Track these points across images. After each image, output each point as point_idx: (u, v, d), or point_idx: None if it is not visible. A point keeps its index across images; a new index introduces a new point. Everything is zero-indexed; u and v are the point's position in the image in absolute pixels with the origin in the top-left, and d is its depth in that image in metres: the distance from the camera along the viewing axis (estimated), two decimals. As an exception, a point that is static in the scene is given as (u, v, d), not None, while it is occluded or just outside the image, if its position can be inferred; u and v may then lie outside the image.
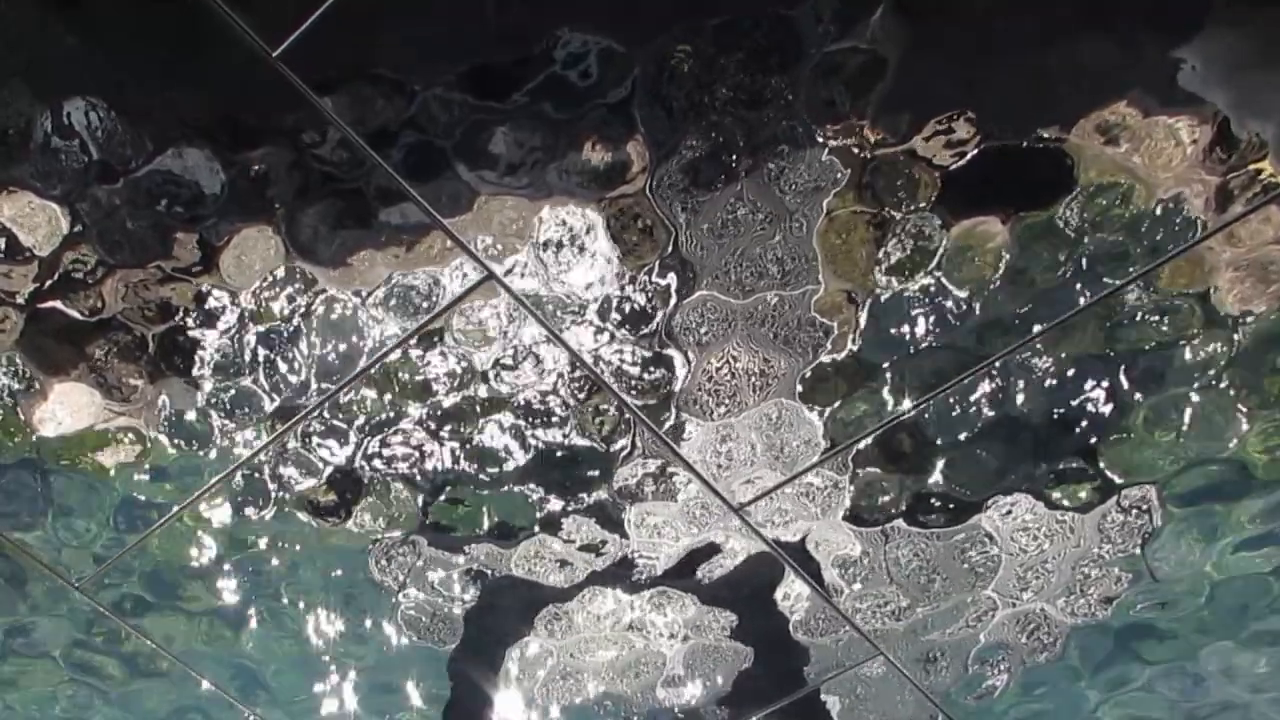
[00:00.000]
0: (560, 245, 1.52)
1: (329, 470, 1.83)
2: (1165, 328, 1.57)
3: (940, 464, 1.75)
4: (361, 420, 1.75)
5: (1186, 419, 1.67)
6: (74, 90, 1.39)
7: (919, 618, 2.00)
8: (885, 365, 1.64)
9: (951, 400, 1.67)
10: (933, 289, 1.55)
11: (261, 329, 1.65)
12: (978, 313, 1.57)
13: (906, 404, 1.67)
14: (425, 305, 1.60)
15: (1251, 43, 1.29)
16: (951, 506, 1.81)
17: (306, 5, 1.29)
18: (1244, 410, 1.65)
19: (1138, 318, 1.56)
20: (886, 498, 1.80)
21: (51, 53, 1.36)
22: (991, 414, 1.68)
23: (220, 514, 1.91)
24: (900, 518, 1.83)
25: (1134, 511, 1.80)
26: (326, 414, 1.74)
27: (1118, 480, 1.75)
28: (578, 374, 1.67)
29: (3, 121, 1.42)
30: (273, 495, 1.87)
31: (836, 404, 1.69)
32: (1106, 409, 1.66)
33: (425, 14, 1.30)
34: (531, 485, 1.83)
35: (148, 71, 1.37)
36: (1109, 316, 1.56)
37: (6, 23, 1.33)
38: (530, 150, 1.43)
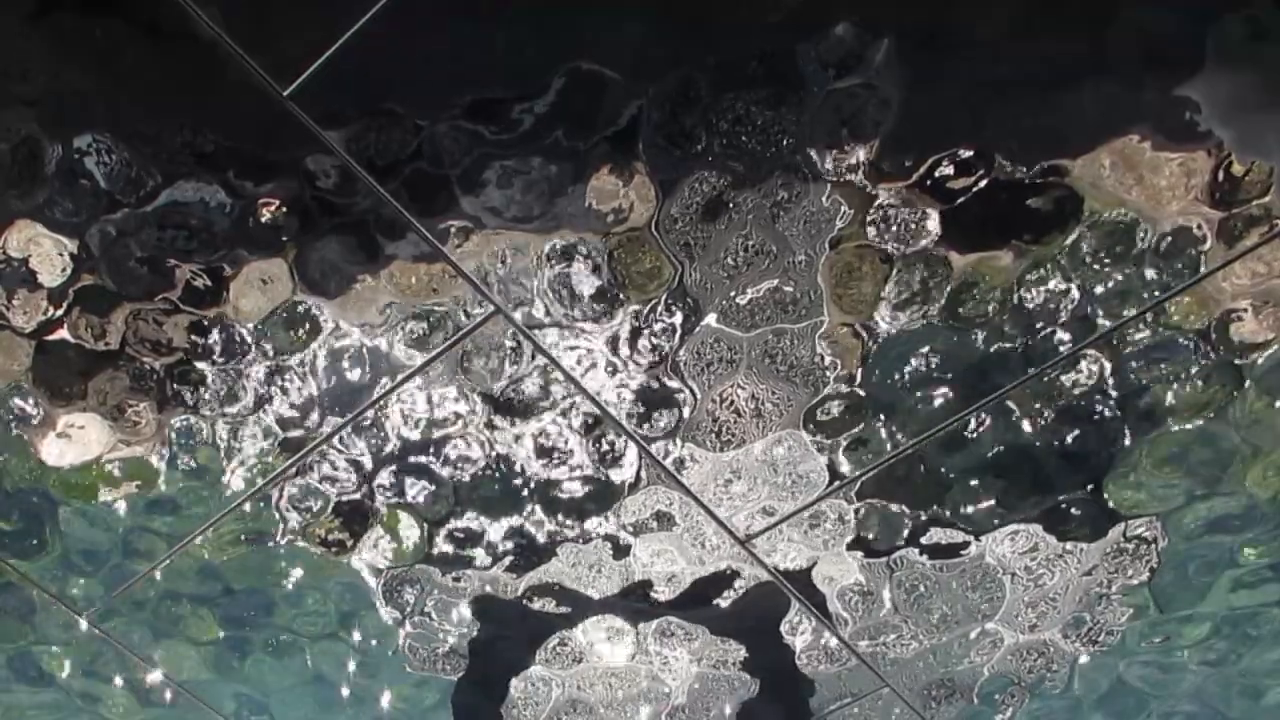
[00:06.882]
0: (566, 279, 1.53)
1: (336, 501, 1.83)
2: (1171, 361, 1.57)
3: (945, 496, 1.74)
4: (369, 452, 1.75)
5: (1192, 452, 1.66)
6: (85, 124, 1.41)
7: (924, 649, 2.00)
8: (890, 398, 1.64)
9: (957, 433, 1.66)
10: (938, 322, 1.55)
11: (269, 361, 1.65)
12: (983, 346, 1.57)
13: (912, 436, 1.67)
14: (433, 338, 1.61)
15: (1253, 81, 1.30)
16: (957, 538, 1.81)
17: (316, 47, 1.30)
18: (1250, 443, 1.65)
19: (1144, 351, 1.56)
20: (892, 529, 1.80)
21: (63, 88, 1.37)
22: (997, 447, 1.68)
23: (227, 545, 1.91)
24: (906, 549, 1.83)
25: (1139, 544, 1.79)
26: (334, 446, 1.75)
27: (1123, 512, 1.75)
28: (583, 406, 1.67)
29: (13, 154, 1.43)
30: (280, 526, 1.87)
31: (842, 436, 1.69)
32: (1112, 442, 1.66)
33: (433, 51, 1.31)
34: (537, 515, 1.83)
35: (159, 108, 1.38)
36: (1115, 350, 1.56)
37: (18, 57, 1.34)
38: (536, 184, 1.43)
